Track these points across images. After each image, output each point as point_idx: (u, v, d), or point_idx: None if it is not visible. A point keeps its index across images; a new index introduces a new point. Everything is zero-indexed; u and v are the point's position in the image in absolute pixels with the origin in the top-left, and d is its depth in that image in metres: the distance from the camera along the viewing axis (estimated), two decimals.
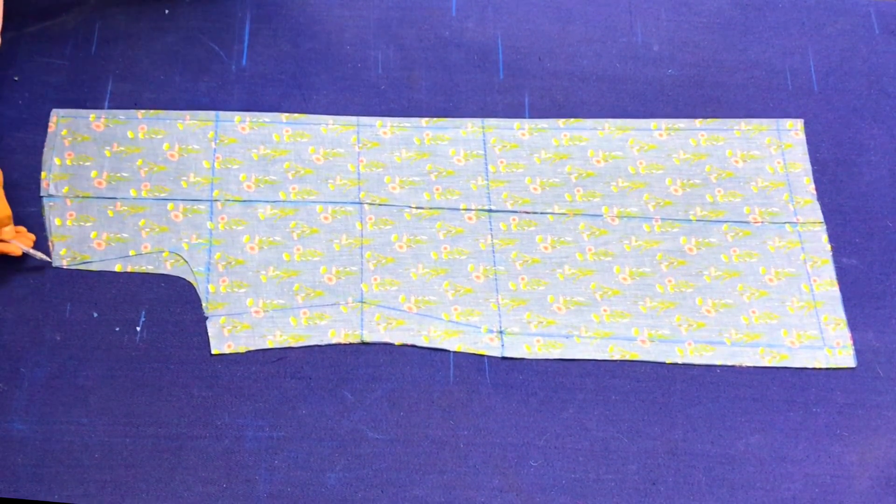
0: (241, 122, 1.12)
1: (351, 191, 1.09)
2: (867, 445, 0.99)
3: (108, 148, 1.09)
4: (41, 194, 1.06)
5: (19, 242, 0.99)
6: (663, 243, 1.09)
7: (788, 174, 1.14)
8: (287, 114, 1.13)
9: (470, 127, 1.14)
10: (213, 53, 1.15)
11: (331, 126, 1.13)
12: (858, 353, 1.04)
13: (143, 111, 1.12)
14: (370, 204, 1.09)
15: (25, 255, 1.00)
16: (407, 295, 1.04)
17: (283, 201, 1.08)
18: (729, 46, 1.23)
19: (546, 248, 1.08)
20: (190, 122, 1.11)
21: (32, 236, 1.02)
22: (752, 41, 1.23)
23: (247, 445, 0.96)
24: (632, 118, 1.16)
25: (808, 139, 1.17)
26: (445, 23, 1.22)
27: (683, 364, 1.02)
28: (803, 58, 1.22)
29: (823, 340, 1.04)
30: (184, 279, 1.03)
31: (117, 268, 1.03)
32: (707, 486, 0.96)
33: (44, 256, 1.01)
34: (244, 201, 1.08)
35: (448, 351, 1.01)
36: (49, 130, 1.10)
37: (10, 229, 0.98)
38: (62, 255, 1.03)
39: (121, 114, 1.11)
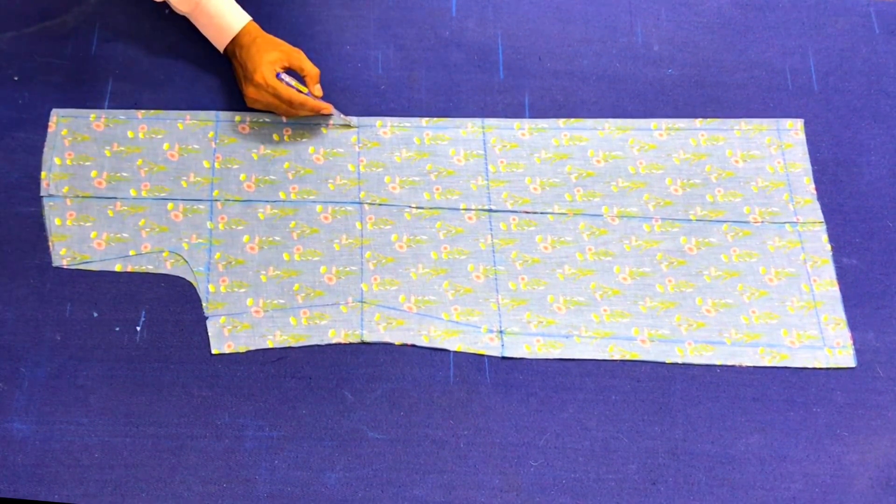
0: (241, 122, 1.12)
1: (351, 191, 1.09)
2: (867, 445, 0.99)
3: (108, 148, 1.09)
4: (41, 194, 1.06)
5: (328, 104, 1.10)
6: (663, 243, 1.09)
7: (788, 174, 1.14)
8: None
9: (470, 127, 1.14)
10: (214, 53, 1.15)
11: (331, 126, 1.13)
12: (858, 353, 1.04)
13: (143, 111, 1.12)
14: (370, 204, 1.09)
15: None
16: (407, 295, 1.04)
17: (283, 201, 1.08)
18: (729, 46, 1.23)
19: (546, 248, 1.08)
20: (190, 122, 1.11)
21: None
22: (752, 41, 1.23)
23: (247, 445, 0.96)
24: (632, 118, 1.16)
25: (808, 139, 1.17)
26: (445, 23, 1.22)
27: (683, 364, 1.02)
28: (803, 58, 1.22)
29: (823, 340, 1.04)
30: (184, 279, 1.03)
31: (117, 268, 1.03)
32: (707, 486, 0.96)
33: (349, 120, 1.11)
34: (244, 201, 1.08)
35: (448, 351, 1.01)
36: (49, 130, 1.10)
37: (319, 87, 1.10)
38: (62, 255, 1.03)
39: (121, 114, 1.11)
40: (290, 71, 1.09)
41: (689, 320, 1.05)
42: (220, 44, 1.10)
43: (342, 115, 1.11)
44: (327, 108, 1.09)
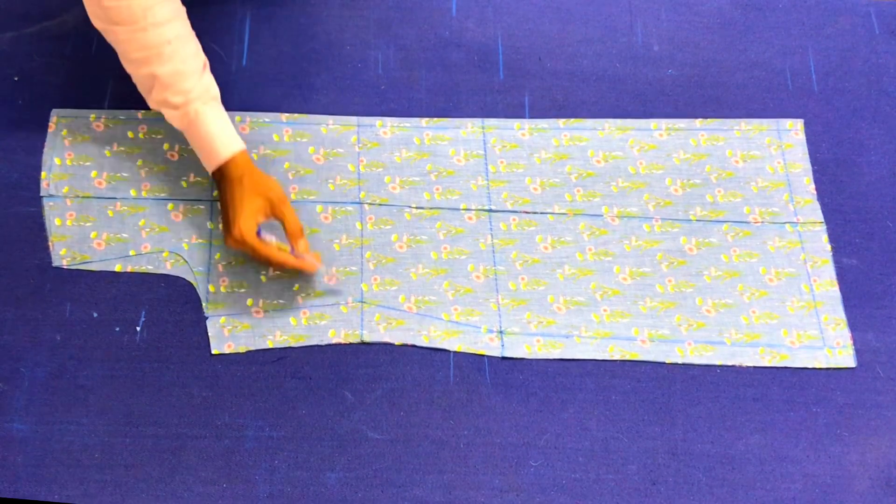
0: (242, 122, 1.12)
1: (351, 191, 1.09)
2: (867, 445, 0.99)
3: (108, 148, 1.09)
4: (41, 194, 1.06)
5: (314, 259, 1.00)
6: (663, 243, 1.09)
7: (788, 174, 1.14)
8: (287, 114, 1.13)
9: (470, 127, 1.14)
10: (213, 53, 1.15)
11: (331, 126, 1.13)
12: (858, 353, 1.04)
13: (142, 111, 1.12)
14: (370, 204, 1.09)
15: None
16: (407, 295, 1.04)
17: None
18: (729, 46, 1.23)
19: (546, 248, 1.08)
20: None
21: (318, 253, 1.03)
22: (752, 41, 1.23)
23: (247, 445, 0.96)
24: (632, 118, 1.16)
25: (808, 139, 1.17)
26: (445, 23, 1.22)
27: (683, 364, 1.02)
28: (803, 58, 1.22)
29: (823, 340, 1.04)
30: (184, 279, 1.03)
31: (117, 268, 1.03)
32: (707, 486, 0.96)
33: (337, 273, 1.03)
34: None
35: (448, 351, 1.01)
36: (49, 130, 1.10)
37: (304, 242, 0.98)
38: (62, 255, 1.03)
39: (121, 114, 1.11)
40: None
41: (689, 320, 1.05)
42: (208, 167, 0.99)
43: (331, 271, 1.04)
44: (311, 267, 0.99)
